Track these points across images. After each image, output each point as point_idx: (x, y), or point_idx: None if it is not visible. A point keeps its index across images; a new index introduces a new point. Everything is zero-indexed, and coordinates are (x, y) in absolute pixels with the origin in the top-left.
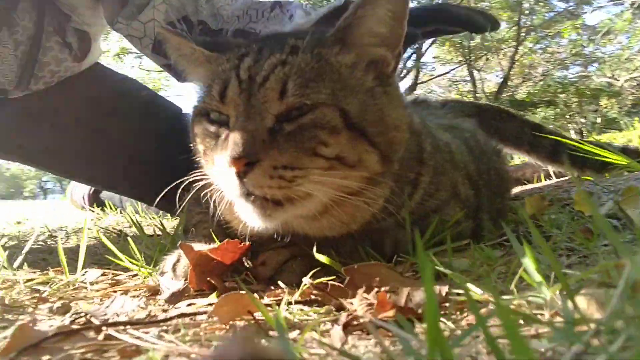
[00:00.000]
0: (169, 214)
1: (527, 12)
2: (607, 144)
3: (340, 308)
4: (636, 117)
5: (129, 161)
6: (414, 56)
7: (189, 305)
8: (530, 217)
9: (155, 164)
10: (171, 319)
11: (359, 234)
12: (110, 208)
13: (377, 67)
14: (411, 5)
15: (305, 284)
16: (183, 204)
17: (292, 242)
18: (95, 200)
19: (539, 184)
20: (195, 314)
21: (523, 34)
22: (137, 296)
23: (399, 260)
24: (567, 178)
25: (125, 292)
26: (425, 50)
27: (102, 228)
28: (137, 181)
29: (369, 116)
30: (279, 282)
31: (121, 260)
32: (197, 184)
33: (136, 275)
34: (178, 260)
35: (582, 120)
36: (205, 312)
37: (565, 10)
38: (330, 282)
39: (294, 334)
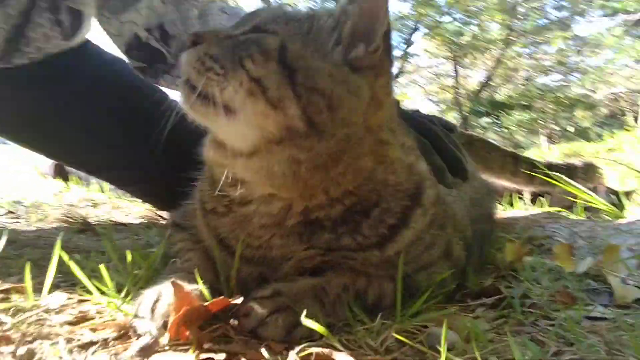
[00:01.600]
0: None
1: (520, 16)
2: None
3: None
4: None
5: (98, 143)
6: (403, 45)
7: None
8: (509, 265)
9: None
10: None
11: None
12: (75, 181)
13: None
14: None
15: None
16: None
17: (276, 291)
18: (61, 172)
19: (515, 213)
20: None
21: (513, 38)
22: (107, 341)
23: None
24: (541, 212)
25: (93, 330)
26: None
27: (67, 216)
28: (106, 165)
29: (305, 66)
30: (261, 336)
31: (86, 286)
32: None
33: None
34: (157, 300)
35: (555, 127)
36: None
37: (558, 19)
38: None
39: None
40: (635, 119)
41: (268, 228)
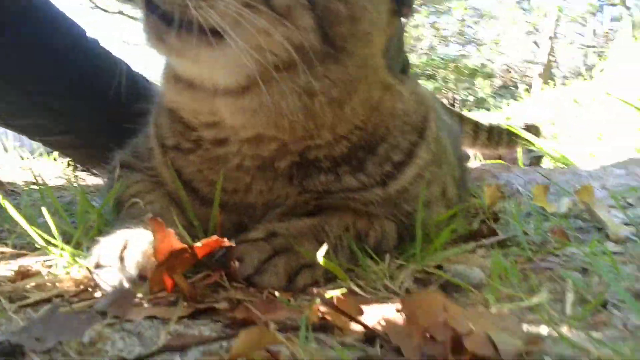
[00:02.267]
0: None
1: None
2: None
3: (370, 338)
4: (503, 99)
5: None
6: None
7: (150, 318)
8: (489, 208)
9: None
10: (153, 354)
11: (348, 214)
12: None
13: None
14: None
15: (315, 299)
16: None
17: (270, 232)
18: None
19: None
20: (183, 347)
21: (416, 6)
22: (61, 297)
23: (401, 264)
24: (491, 163)
25: (41, 287)
26: None
27: None
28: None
29: None
30: (259, 285)
31: (27, 233)
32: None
33: (49, 259)
34: (125, 247)
35: (456, 97)
36: (183, 347)
37: None
38: (338, 297)
39: None
40: (527, 89)
41: (250, 170)
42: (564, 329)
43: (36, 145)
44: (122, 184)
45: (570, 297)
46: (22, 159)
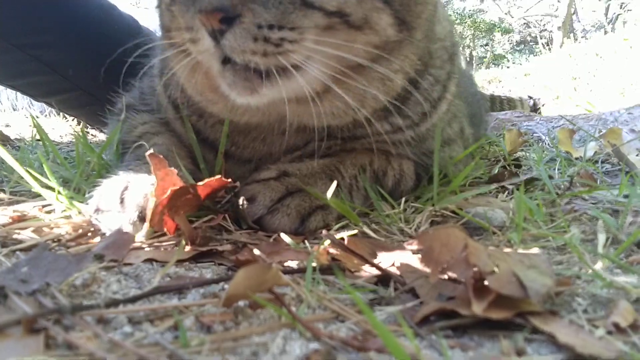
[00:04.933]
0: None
1: None
2: None
3: (383, 280)
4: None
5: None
6: None
7: (148, 261)
8: (510, 154)
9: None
10: (143, 297)
11: (364, 153)
12: None
13: None
14: None
15: (325, 240)
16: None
17: (282, 172)
18: None
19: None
20: (179, 287)
21: None
22: (58, 241)
23: (417, 208)
24: (509, 113)
25: (37, 231)
26: None
27: None
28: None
29: None
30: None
31: (25, 180)
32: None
33: (48, 205)
34: (126, 189)
35: (473, 53)
36: (182, 286)
37: None
38: (349, 238)
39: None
40: (545, 45)
41: (274, 131)
42: (597, 268)
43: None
44: (127, 125)
45: (602, 237)
46: (31, 117)
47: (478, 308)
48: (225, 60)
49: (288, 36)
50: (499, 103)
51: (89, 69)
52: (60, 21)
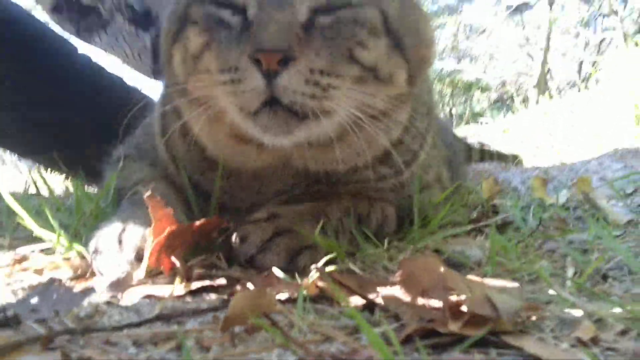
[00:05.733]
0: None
1: None
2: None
3: (369, 308)
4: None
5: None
6: None
7: (147, 297)
8: (488, 201)
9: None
10: (146, 322)
11: (348, 198)
12: None
13: None
14: None
15: (314, 273)
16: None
17: (272, 214)
18: None
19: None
20: (180, 315)
21: None
22: (61, 283)
23: (397, 246)
24: (486, 164)
25: (38, 272)
26: None
27: None
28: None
29: (405, 24)
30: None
31: (24, 226)
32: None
33: (49, 248)
34: (123, 231)
35: (453, 110)
36: (182, 313)
37: (447, 5)
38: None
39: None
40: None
41: (270, 179)
42: (565, 295)
43: None
44: (124, 173)
45: (570, 270)
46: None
47: (455, 327)
48: (265, 103)
49: (333, 82)
50: (488, 157)
51: (80, 127)
52: (51, 80)
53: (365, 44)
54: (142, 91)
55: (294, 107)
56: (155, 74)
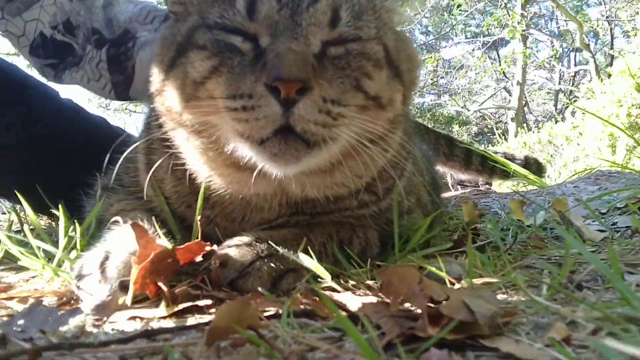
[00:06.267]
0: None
1: None
2: (512, 155)
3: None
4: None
5: None
6: None
7: (132, 318)
8: (468, 224)
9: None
10: (132, 338)
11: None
12: None
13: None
14: None
15: (299, 289)
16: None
17: (256, 238)
18: None
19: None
20: (165, 332)
21: None
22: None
23: (378, 266)
24: (467, 190)
25: (23, 300)
26: None
27: None
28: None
29: (401, 53)
30: (242, 289)
31: (13, 256)
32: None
33: (33, 277)
34: (106, 258)
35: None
36: (167, 330)
37: (425, 42)
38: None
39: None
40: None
41: (255, 206)
42: (539, 300)
43: None
44: (104, 203)
45: (546, 280)
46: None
47: (433, 331)
48: (276, 131)
49: (342, 111)
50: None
51: (55, 169)
52: (26, 121)
53: (371, 75)
54: (122, 127)
55: (306, 135)
56: (116, 87)
